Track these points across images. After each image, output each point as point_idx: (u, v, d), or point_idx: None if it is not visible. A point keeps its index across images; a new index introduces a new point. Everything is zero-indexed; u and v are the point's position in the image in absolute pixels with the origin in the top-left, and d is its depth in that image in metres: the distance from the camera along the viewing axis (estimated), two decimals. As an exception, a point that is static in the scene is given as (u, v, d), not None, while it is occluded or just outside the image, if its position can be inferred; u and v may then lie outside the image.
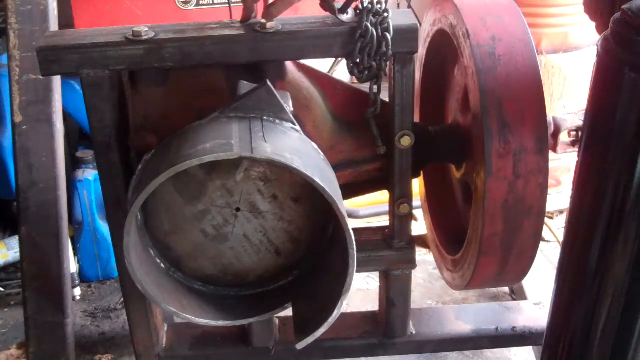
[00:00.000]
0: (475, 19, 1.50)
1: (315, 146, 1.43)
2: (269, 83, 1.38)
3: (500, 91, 1.44)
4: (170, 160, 1.27)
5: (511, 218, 1.47)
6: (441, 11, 1.67)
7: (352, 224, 1.32)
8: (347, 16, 1.47)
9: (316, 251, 1.52)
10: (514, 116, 1.43)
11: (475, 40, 1.47)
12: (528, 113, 1.44)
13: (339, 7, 1.47)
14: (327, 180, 1.31)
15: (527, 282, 2.19)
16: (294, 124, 1.41)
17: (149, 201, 1.43)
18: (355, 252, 1.31)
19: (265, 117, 1.38)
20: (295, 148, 1.33)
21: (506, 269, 1.56)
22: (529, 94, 1.46)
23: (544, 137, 1.45)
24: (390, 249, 1.70)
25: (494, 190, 1.45)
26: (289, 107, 1.42)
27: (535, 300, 2.03)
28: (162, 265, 1.49)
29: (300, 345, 1.37)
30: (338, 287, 1.34)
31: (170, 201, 1.44)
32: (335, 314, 1.34)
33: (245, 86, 1.43)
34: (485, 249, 1.51)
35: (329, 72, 2.89)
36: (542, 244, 1.70)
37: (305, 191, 1.44)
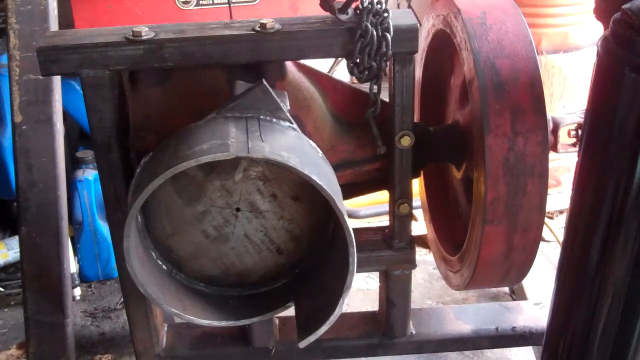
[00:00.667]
0: (466, 1, 1.56)
1: (313, 144, 1.43)
2: (264, 82, 1.38)
3: (493, 53, 1.48)
4: (167, 162, 1.27)
5: (514, 179, 1.46)
6: (433, 14, 1.71)
7: (352, 224, 1.33)
8: (347, 16, 1.47)
9: (317, 249, 1.52)
10: (508, 75, 1.47)
11: (467, 14, 1.52)
12: (522, 73, 1.47)
13: (339, 7, 1.47)
14: (324, 177, 1.31)
15: (527, 282, 2.19)
16: (291, 123, 1.41)
17: (149, 203, 1.43)
18: (355, 250, 1.31)
19: (262, 117, 1.38)
20: (292, 146, 1.33)
21: (513, 245, 1.53)
22: (521, 56, 1.49)
23: (540, 96, 1.47)
24: (390, 249, 1.70)
25: (494, 147, 1.45)
26: (285, 105, 1.42)
27: (535, 300, 2.03)
28: (164, 266, 1.49)
29: (302, 344, 1.37)
30: (339, 285, 1.34)
31: (170, 203, 1.44)
32: (337, 312, 1.34)
33: (241, 86, 1.43)
34: (489, 216, 1.49)
35: (329, 72, 2.89)
36: (542, 244, 1.69)
37: (305, 189, 1.44)
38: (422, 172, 1.89)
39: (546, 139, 1.47)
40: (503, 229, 1.51)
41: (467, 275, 1.65)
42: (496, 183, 1.46)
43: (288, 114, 1.41)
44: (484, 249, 1.53)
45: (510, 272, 1.61)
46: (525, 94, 1.46)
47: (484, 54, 1.48)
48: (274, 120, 1.39)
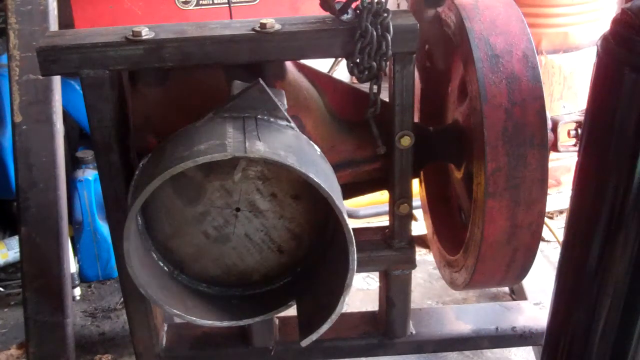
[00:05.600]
0: None
1: (312, 142, 1.43)
2: (261, 81, 1.38)
3: (486, 31, 1.52)
4: (165, 164, 1.27)
5: (514, 149, 1.47)
6: None
7: (352, 224, 1.33)
8: (347, 16, 1.47)
9: (318, 248, 1.52)
10: (502, 49, 1.50)
11: (459, 3, 1.57)
12: (516, 47, 1.50)
13: (339, 7, 1.47)
14: (322, 175, 1.31)
15: (527, 282, 2.19)
16: (288, 122, 1.41)
17: (149, 205, 1.43)
18: (354, 249, 1.31)
19: (259, 116, 1.38)
20: (289, 145, 1.33)
21: (517, 223, 1.52)
22: (514, 33, 1.52)
23: (535, 67, 1.49)
24: (390, 249, 1.70)
25: (491, 117, 1.46)
26: (283, 104, 1.42)
27: (535, 300, 2.03)
28: (165, 268, 1.49)
29: (304, 343, 1.38)
30: (339, 284, 1.35)
31: (169, 204, 1.44)
32: (337, 310, 1.34)
33: (238, 86, 1.43)
34: (491, 189, 1.48)
35: (329, 72, 2.89)
36: (542, 244, 1.69)
37: (304, 188, 1.44)
38: (422, 172, 1.89)
39: (544, 109, 1.48)
40: (506, 203, 1.50)
41: (470, 265, 1.62)
42: (496, 153, 1.46)
43: (285, 113, 1.41)
44: (487, 227, 1.52)
45: (515, 258, 1.58)
46: (520, 65, 1.49)
47: (477, 31, 1.51)
48: (272, 119, 1.39)
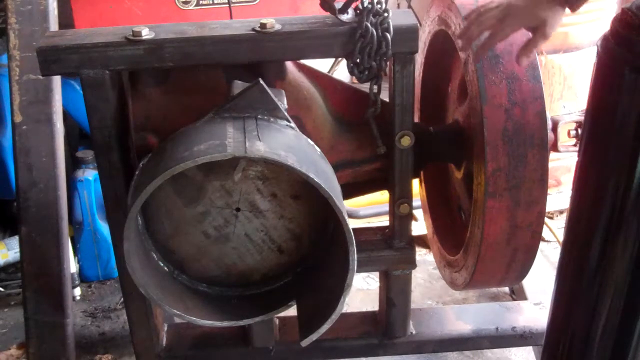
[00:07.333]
0: None
1: (312, 142, 1.43)
2: (261, 81, 1.38)
3: None
4: (165, 164, 1.27)
5: (514, 149, 1.47)
6: (428, 19, 1.73)
7: (352, 224, 1.33)
8: (347, 16, 1.47)
9: (318, 248, 1.52)
10: (502, 49, 1.49)
11: (459, 2, 1.56)
12: (516, 46, 1.49)
13: (339, 7, 1.47)
14: (323, 175, 1.31)
15: (527, 282, 2.19)
16: (288, 121, 1.41)
17: (149, 205, 1.43)
18: (354, 248, 1.31)
19: (259, 116, 1.39)
20: (290, 145, 1.33)
21: (517, 223, 1.52)
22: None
23: (535, 66, 1.49)
24: (390, 249, 1.70)
25: (491, 117, 1.46)
26: (283, 104, 1.42)
27: (535, 300, 2.03)
28: (166, 268, 1.49)
29: (304, 343, 1.38)
30: (339, 283, 1.35)
31: (170, 204, 1.44)
32: (338, 310, 1.34)
33: (238, 85, 1.43)
34: (491, 189, 1.48)
35: (329, 72, 2.89)
36: (542, 244, 1.69)
37: (304, 188, 1.44)
38: (422, 172, 1.89)
39: (544, 110, 1.48)
40: (506, 203, 1.50)
41: (470, 265, 1.63)
42: (496, 153, 1.47)
43: (286, 113, 1.41)
44: (487, 227, 1.52)
45: (515, 258, 1.58)
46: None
47: None
48: (272, 119, 1.39)
